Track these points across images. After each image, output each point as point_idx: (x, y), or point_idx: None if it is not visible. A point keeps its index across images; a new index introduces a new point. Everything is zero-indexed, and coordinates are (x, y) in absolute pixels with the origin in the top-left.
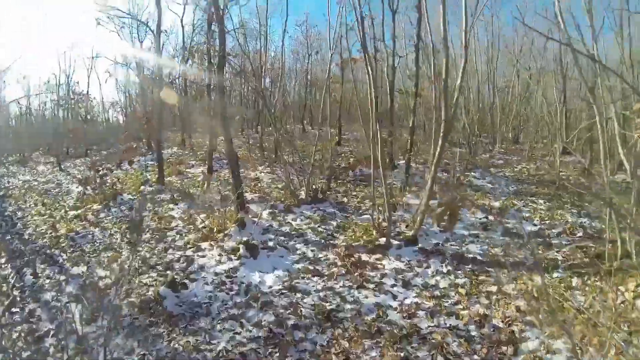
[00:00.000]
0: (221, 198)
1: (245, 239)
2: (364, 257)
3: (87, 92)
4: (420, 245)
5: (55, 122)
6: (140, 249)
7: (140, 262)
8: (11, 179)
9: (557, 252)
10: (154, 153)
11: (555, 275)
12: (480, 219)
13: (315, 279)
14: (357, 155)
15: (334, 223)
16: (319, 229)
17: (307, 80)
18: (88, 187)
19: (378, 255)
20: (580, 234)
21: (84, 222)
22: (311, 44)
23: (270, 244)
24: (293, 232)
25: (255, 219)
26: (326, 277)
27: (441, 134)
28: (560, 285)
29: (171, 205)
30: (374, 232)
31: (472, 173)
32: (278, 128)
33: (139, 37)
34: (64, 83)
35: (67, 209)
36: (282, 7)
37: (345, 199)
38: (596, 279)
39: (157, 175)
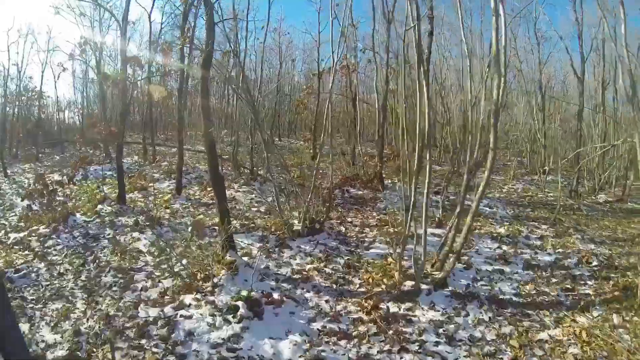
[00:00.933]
0: (198, 228)
1: (242, 290)
2: (392, 307)
3: (41, 88)
4: (450, 287)
5: (3, 120)
6: (101, 298)
7: (101, 323)
8: None
9: (584, 285)
10: (113, 162)
11: (595, 314)
12: (494, 249)
13: (342, 342)
14: (340, 172)
15: (341, 261)
16: (327, 270)
17: (278, 90)
18: (34, 203)
19: (408, 305)
20: (595, 262)
21: (26, 252)
22: (285, 51)
23: (275, 295)
24: (296, 276)
25: (246, 259)
26: (356, 340)
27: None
28: (604, 325)
29: (136, 234)
30: (396, 274)
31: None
32: (267, 141)
33: (101, 29)
34: (14, 77)
35: (8, 230)
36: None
37: (342, 228)
38: (633, 314)
39: (117, 192)
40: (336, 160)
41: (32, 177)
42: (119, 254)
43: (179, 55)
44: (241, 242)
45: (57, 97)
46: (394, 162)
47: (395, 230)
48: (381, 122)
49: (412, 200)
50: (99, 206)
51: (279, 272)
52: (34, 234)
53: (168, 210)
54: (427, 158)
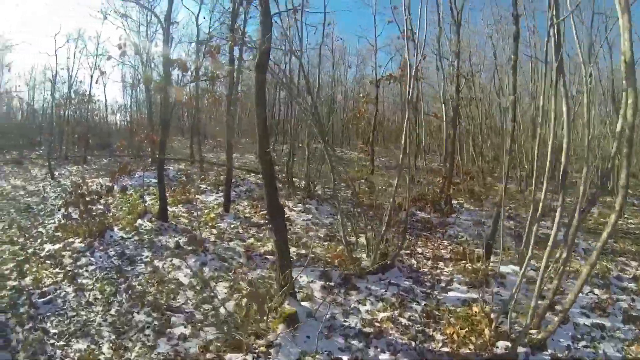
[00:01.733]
0: (247, 258)
1: (305, 356)
2: None
3: (90, 92)
4: (550, 350)
5: (52, 122)
6: (130, 343)
7: None
8: (1, 182)
9: None
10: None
11: None
12: (586, 293)
13: None
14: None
15: (418, 308)
16: (402, 320)
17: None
18: (72, 212)
19: None
20: None
21: (57, 270)
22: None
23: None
24: (367, 329)
25: (308, 305)
26: None
27: None
28: None
29: (176, 261)
30: (485, 330)
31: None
32: (331, 155)
33: (148, 34)
34: (65, 81)
35: (44, 240)
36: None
37: (413, 261)
38: None
39: (158, 204)
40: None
41: (78, 181)
42: (155, 284)
43: (228, 59)
44: (300, 279)
45: (106, 100)
46: (464, 182)
47: (474, 267)
48: (451, 137)
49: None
50: (139, 221)
51: (346, 324)
52: (68, 248)
53: (214, 231)
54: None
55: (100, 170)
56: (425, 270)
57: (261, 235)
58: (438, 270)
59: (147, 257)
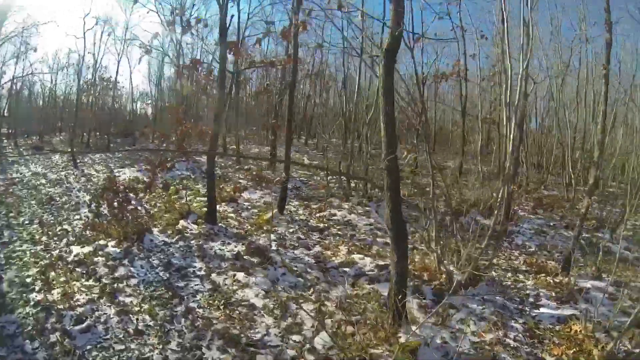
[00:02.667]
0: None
1: None
2: None
3: (116, 78)
4: None
5: (79, 108)
6: None
7: None
8: (21, 168)
9: None
10: (190, 161)
11: None
12: None
13: None
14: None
15: (518, 327)
16: (509, 341)
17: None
18: (102, 210)
19: None
20: None
21: (91, 282)
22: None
23: None
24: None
25: (413, 328)
26: None
27: None
28: None
29: (241, 275)
30: (593, 350)
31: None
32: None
33: (182, 20)
34: (90, 66)
35: (71, 240)
36: None
37: (492, 273)
38: None
39: (200, 201)
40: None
41: (102, 170)
42: (221, 307)
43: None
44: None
45: (132, 87)
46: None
47: (555, 281)
48: (516, 144)
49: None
50: (182, 222)
51: (460, 349)
52: (100, 253)
53: (273, 237)
54: None
55: (124, 159)
56: (509, 283)
57: (326, 242)
58: (521, 284)
59: (200, 269)
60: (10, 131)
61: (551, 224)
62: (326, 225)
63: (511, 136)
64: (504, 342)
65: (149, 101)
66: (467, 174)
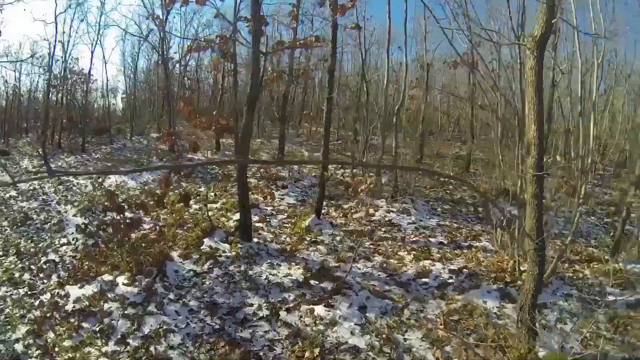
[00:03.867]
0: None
1: None
2: None
3: (90, 71)
4: None
5: (50, 105)
6: None
7: None
8: None
9: None
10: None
11: None
12: None
13: None
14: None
15: (601, 317)
16: (609, 337)
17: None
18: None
19: None
20: None
21: (112, 344)
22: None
23: None
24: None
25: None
26: None
27: None
28: None
29: (321, 310)
30: None
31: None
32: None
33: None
34: (59, 59)
35: (62, 278)
36: None
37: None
38: None
39: (238, 219)
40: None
41: (85, 182)
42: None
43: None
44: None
45: (107, 80)
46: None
47: (607, 268)
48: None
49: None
50: (207, 242)
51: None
52: (110, 296)
53: (322, 248)
54: None
55: (105, 161)
56: (570, 274)
57: (381, 248)
58: (580, 274)
59: (260, 307)
60: None
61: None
62: (369, 228)
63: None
64: (600, 334)
65: (123, 95)
66: (475, 162)
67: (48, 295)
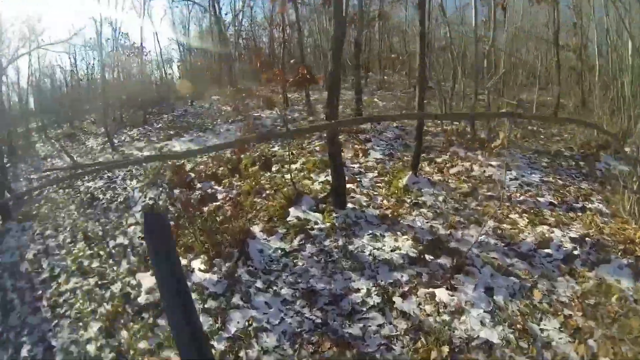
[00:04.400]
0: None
1: None
2: None
3: (141, 44)
4: None
5: (104, 85)
6: None
7: None
8: (55, 162)
9: None
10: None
11: None
12: None
13: None
14: None
15: None
16: None
17: None
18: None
19: None
20: None
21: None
22: None
23: None
24: None
25: None
26: None
27: None
28: None
29: (444, 295)
30: None
31: None
32: None
33: None
34: (108, 38)
35: (132, 263)
36: None
37: None
38: None
39: (327, 181)
40: None
41: (145, 147)
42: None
43: None
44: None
45: (161, 49)
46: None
47: None
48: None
49: None
50: (293, 212)
51: None
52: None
53: (427, 212)
54: None
55: (167, 129)
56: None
57: (490, 210)
58: None
59: (368, 293)
60: (38, 124)
61: None
62: (471, 185)
63: None
64: None
65: (178, 63)
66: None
67: (119, 285)
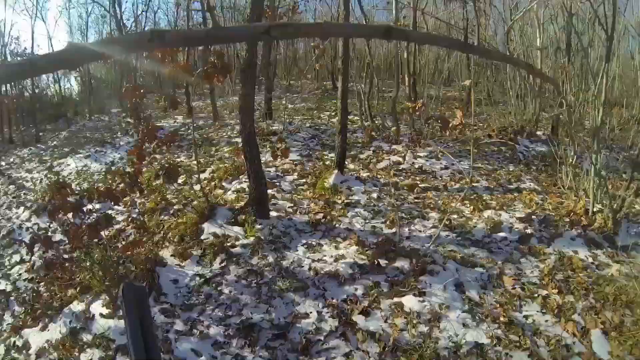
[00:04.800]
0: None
1: None
2: None
3: (32, 50)
4: None
5: None
6: None
7: None
8: None
9: None
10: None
11: None
12: None
13: None
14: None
15: None
16: None
17: None
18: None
19: None
20: None
21: None
22: None
23: None
24: None
25: None
26: None
27: None
28: None
29: (412, 301)
30: None
31: None
32: None
33: None
34: None
35: (17, 315)
36: None
37: None
38: None
39: (242, 189)
40: None
41: (38, 168)
42: None
43: None
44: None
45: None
46: None
47: None
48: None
49: None
50: (207, 228)
51: None
52: (84, 335)
53: (365, 213)
54: None
55: (62, 146)
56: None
57: (430, 202)
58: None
59: (319, 315)
60: None
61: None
62: (403, 179)
63: None
64: None
65: (76, 75)
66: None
67: (0, 348)
